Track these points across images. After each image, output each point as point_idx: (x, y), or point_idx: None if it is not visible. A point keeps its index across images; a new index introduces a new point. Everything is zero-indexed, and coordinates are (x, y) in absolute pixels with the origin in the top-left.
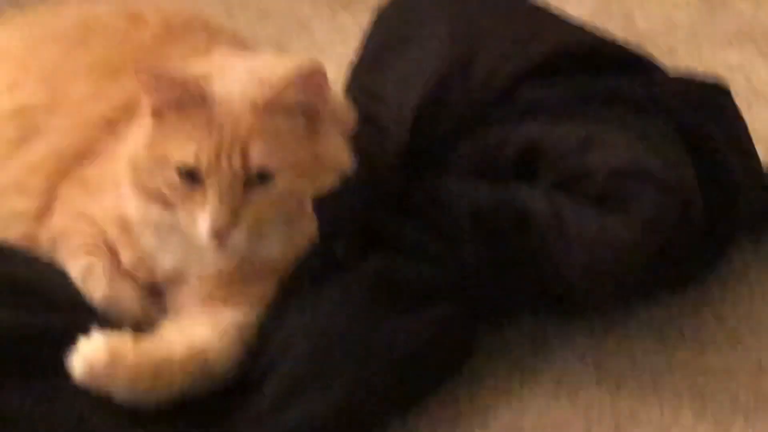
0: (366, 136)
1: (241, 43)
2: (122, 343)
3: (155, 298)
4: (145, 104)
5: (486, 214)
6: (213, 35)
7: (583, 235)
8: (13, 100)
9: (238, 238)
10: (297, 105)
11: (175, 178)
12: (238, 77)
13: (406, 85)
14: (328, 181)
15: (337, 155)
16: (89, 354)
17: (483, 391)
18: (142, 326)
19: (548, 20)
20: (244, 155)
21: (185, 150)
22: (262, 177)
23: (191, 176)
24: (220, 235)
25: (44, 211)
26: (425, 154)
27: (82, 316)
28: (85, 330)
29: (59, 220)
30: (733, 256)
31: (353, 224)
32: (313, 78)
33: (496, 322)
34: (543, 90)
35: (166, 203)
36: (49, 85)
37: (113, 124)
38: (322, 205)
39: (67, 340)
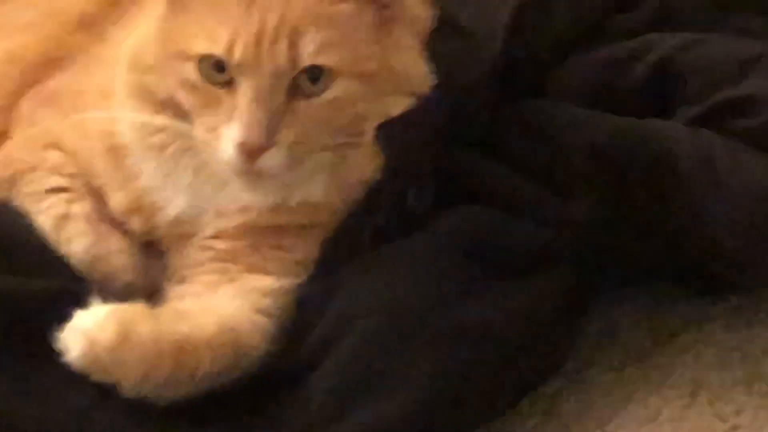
0: (445, 46)
1: None
2: (135, 315)
3: (152, 261)
4: None
5: (611, 153)
6: None
7: (742, 184)
8: None
9: (275, 162)
10: None
11: (195, 76)
12: None
13: None
14: (398, 104)
15: (415, 69)
16: (91, 329)
17: (592, 391)
18: (134, 295)
19: None
20: (294, 45)
21: (213, 37)
22: (314, 79)
23: (218, 73)
24: (251, 153)
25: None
26: (523, 72)
27: (71, 281)
28: (78, 299)
29: (20, 149)
30: None
31: (430, 164)
32: None
33: (603, 300)
34: None
35: (179, 114)
36: None
37: (94, 22)
38: (389, 135)
39: (55, 311)
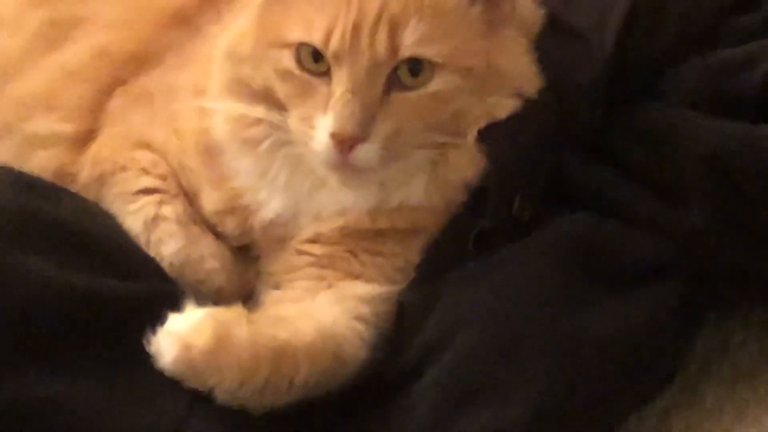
0: (554, 47)
1: None
2: (231, 319)
3: (245, 265)
4: None
5: (727, 160)
6: None
7: None
8: None
9: (369, 155)
10: None
11: (292, 64)
12: None
13: None
14: (503, 105)
15: (521, 70)
16: (186, 333)
17: (701, 408)
18: (226, 300)
19: None
20: (394, 36)
21: (311, 26)
22: (415, 72)
23: (315, 63)
24: (345, 144)
25: (87, 135)
26: (634, 75)
27: (162, 284)
28: (171, 302)
29: (109, 149)
30: None
31: (538, 170)
32: None
33: (715, 315)
34: None
35: (274, 107)
36: None
37: (186, 17)
38: (496, 138)
39: (148, 314)
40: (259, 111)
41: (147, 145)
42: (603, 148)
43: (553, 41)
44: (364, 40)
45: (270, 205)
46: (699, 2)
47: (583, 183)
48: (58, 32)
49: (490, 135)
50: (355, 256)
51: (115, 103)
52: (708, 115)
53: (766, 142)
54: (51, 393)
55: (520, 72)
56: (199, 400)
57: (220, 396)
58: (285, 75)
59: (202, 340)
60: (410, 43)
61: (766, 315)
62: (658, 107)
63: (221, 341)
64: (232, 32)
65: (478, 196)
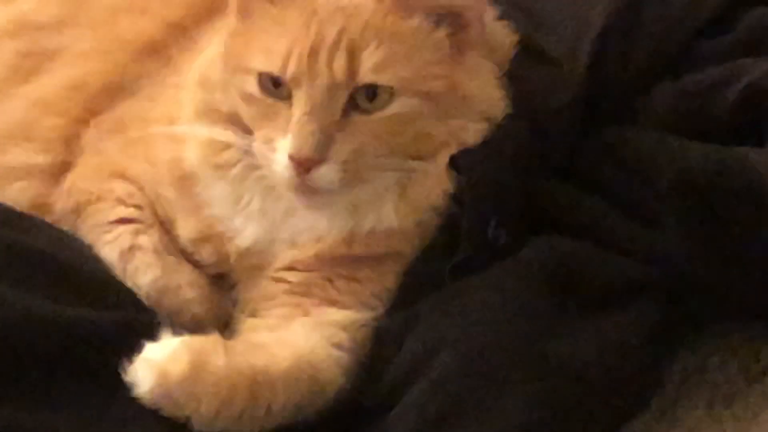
0: (524, 71)
1: None
2: (208, 347)
3: (221, 293)
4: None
5: (700, 183)
6: None
7: None
8: (10, 13)
9: (328, 177)
10: (440, 4)
11: (255, 89)
12: None
13: (583, 3)
14: (471, 129)
15: (487, 93)
16: (162, 361)
17: (679, 430)
18: (203, 328)
19: None
20: (352, 60)
21: (271, 52)
22: (372, 96)
23: (276, 87)
24: (303, 165)
25: (62, 167)
26: (607, 98)
27: (138, 313)
28: (147, 331)
29: (85, 179)
30: None
31: (512, 194)
32: None
33: (692, 336)
34: None
35: (243, 131)
36: None
37: (157, 48)
38: (468, 164)
39: (124, 344)
40: (228, 135)
41: (122, 175)
42: (577, 172)
43: (526, 66)
44: (322, 63)
45: (245, 232)
46: (670, 27)
47: (557, 206)
48: (32, 63)
49: (463, 162)
50: (332, 282)
51: (90, 134)
52: (680, 138)
53: (737, 164)
54: (27, 423)
55: (485, 96)
56: (177, 428)
57: (197, 424)
58: (249, 99)
59: (178, 368)
60: (368, 69)
61: (744, 335)
62: (631, 130)
63: (198, 369)
64: (203, 60)
65: (453, 223)
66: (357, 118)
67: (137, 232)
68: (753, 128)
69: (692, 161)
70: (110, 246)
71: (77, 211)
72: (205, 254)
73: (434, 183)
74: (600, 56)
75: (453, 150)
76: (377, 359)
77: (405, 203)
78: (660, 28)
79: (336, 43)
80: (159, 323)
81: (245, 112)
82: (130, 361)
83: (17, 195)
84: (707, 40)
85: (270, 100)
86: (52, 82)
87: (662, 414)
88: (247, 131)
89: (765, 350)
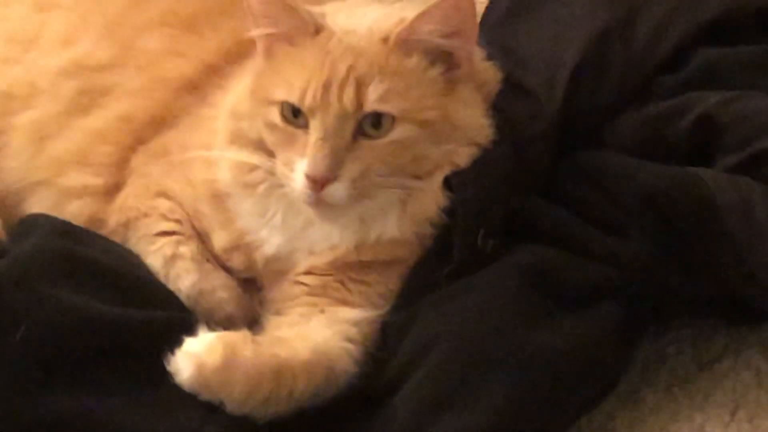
0: (508, 103)
1: None
2: (238, 341)
3: (251, 295)
4: (258, 43)
5: (659, 198)
6: None
7: None
8: (69, 55)
9: (338, 193)
10: (435, 45)
11: (277, 119)
12: (368, 14)
13: (557, 45)
14: (462, 153)
15: (475, 122)
16: (200, 353)
17: (642, 410)
18: (235, 325)
19: None
20: (359, 92)
21: (291, 86)
22: (377, 124)
23: (295, 116)
24: (317, 183)
25: (114, 187)
26: (579, 126)
27: (179, 312)
28: (186, 328)
29: (133, 198)
30: None
31: (498, 209)
32: (460, 3)
33: (652, 330)
34: (720, 54)
35: (267, 155)
36: (114, 38)
37: (195, 86)
38: (461, 183)
39: (167, 338)
40: (255, 158)
41: (165, 194)
42: (553, 189)
43: (509, 99)
44: (334, 96)
45: (270, 242)
46: (632, 65)
47: (537, 219)
48: (88, 100)
49: (456, 181)
50: (344, 285)
51: (138, 160)
52: (642, 160)
53: (691, 182)
54: (82, 409)
55: (473, 124)
56: (212, 410)
57: (230, 407)
58: (272, 127)
59: (213, 359)
60: (373, 100)
61: (698, 328)
62: (600, 154)
63: (230, 360)
64: (234, 95)
65: (447, 233)
66: (364, 142)
67: (178, 243)
68: (704, 151)
69: (652, 179)
70: (155, 255)
71: (127, 225)
72: (236, 261)
73: (430, 199)
74: (572, 90)
75: (446, 171)
76: (383, 351)
77: (406, 216)
78: (624, 66)
79: (345, 79)
80: (197, 321)
81: (269, 139)
82: (172, 354)
83: (76, 212)
84: (665, 76)
85: (290, 128)
86: (105, 115)
87: (627, 396)
88: (271, 155)
89: (715, 341)
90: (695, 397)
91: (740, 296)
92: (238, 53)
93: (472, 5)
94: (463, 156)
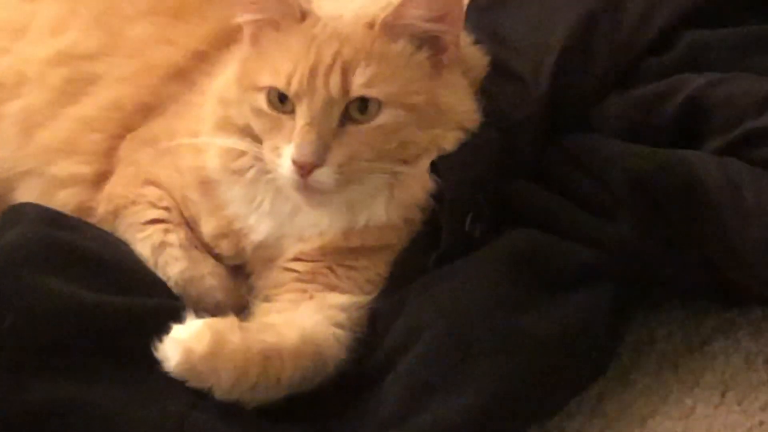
0: (495, 87)
1: None
2: (226, 328)
3: (239, 282)
4: (244, 29)
5: (646, 180)
6: None
7: (764, 207)
8: (57, 45)
9: (324, 178)
10: (422, 29)
11: (264, 105)
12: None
13: (544, 29)
14: (449, 138)
15: (462, 107)
16: (187, 340)
17: (632, 392)
18: (224, 312)
19: None
20: (345, 78)
21: (277, 72)
22: (364, 109)
23: (282, 102)
24: (304, 168)
25: (102, 176)
26: (567, 110)
27: (168, 300)
28: (175, 315)
29: (122, 186)
30: None
31: (484, 193)
32: None
33: (642, 312)
34: (707, 36)
35: (255, 141)
36: (102, 27)
37: (183, 73)
38: (448, 168)
39: (154, 326)
40: (242, 144)
41: (153, 182)
42: (542, 173)
43: (497, 83)
44: (320, 81)
45: (258, 229)
46: (619, 48)
47: (525, 203)
48: (76, 88)
49: (443, 166)
50: (333, 271)
51: (126, 147)
52: (629, 142)
53: (679, 165)
54: (71, 396)
55: (460, 108)
56: (200, 397)
57: (218, 393)
58: (259, 113)
59: (201, 345)
60: (359, 85)
61: (687, 311)
62: (588, 137)
63: (217, 346)
64: (221, 81)
65: (435, 218)
66: (351, 127)
67: (166, 231)
68: (692, 133)
69: (639, 161)
70: (143, 243)
71: (115, 213)
72: (225, 248)
73: (418, 184)
74: (559, 74)
75: (433, 155)
76: (372, 336)
77: (393, 202)
78: (611, 48)
79: (331, 64)
80: (185, 308)
81: (256, 125)
82: (161, 341)
83: (65, 200)
84: (651, 58)
85: (276, 114)
86: (93, 103)
87: (618, 379)
88: (258, 141)
89: (704, 324)
90: (685, 379)
91: (728, 278)
92: (225, 40)
93: None
94: (450, 140)
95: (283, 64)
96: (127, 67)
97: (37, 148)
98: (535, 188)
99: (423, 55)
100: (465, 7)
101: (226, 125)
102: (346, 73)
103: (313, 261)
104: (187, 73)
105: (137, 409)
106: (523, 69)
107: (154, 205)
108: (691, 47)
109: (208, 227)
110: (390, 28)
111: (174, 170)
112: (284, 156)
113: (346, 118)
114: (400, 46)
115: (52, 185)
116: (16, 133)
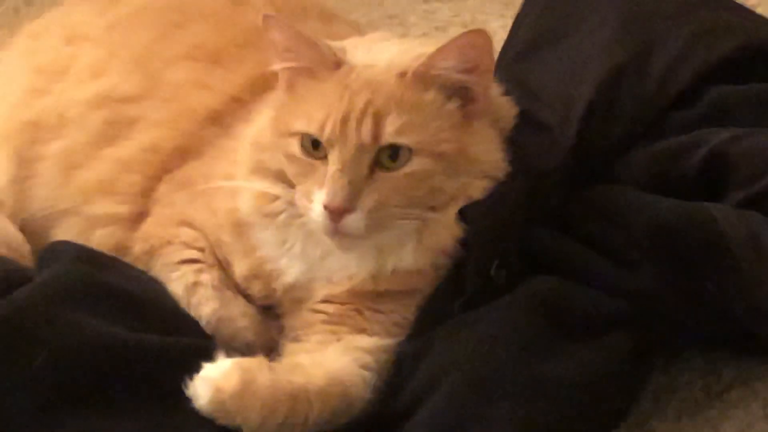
0: (523, 137)
1: (358, 33)
2: (255, 367)
3: (270, 322)
4: (280, 76)
5: (669, 232)
6: (328, 21)
7: None
8: (97, 87)
9: (355, 224)
10: (452, 80)
11: (297, 150)
12: (386, 49)
13: (572, 81)
14: (476, 186)
15: (490, 156)
16: (217, 379)
17: None
18: (254, 352)
19: (735, 11)
20: (377, 125)
21: (311, 118)
22: (394, 156)
23: (315, 148)
24: (335, 213)
25: (139, 216)
26: (592, 161)
27: (200, 339)
28: (205, 354)
29: (157, 226)
30: None
31: (510, 241)
32: (477, 40)
33: (663, 360)
34: (730, 92)
35: (288, 186)
36: (142, 71)
37: (219, 117)
38: (474, 216)
39: (186, 364)
40: (276, 189)
41: (188, 223)
42: (567, 223)
43: (524, 134)
44: (352, 128)
45: (289, 271)
46: (644, 102)
47: (550, 252)
48: (115, 130)
49: (470, 214)
50: (361, 313)
51: (163, 189)
52: (653, 194)
53: (700, 216)
54: (105, 429)
55: (489, 158)
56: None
57: (246, 431)
58: (292, 158)
59: (230, 384)
60: (390, 132)
61: (706, 359)
62: (612, 188)
63: (247, 386)
64: (256, 126)
65: (461, 265)
66: (381, 174)
67: (200, 271)
68: (715, 186)
69: (663, 214)
70: (177, 282)
71: (150, 252)
72: (256, 289)
73: (446, 231)
74: (586, 126)
75: (461, 203)
76: (398, 379)
77: (421, 248)
78: (636, 102)
79: (364, 112)
80: (216, 347)
81: (289, 170)
82: (191, 379)
83: (102, 239)
84: (676, 112)
85: (309, 160)
86: (131, 145)
87: (638, 425)
88: (291, 185)
89: (725, 372)
90: (704, 427)
91: (749, 329)
92: (261, 86)
93: (489, 42)
94: (478, 189)
95: (316, 111)
96: (165, 110)
97: (76, 188)
98: (560, 237)
99: (453, 104)
100: (495, 59)
101: (260, 169)
102: (377, 121)
103: (341, 303)
104: (223, 117)
105: None
106: (550, 120)
107: (188, 246)
108: (715, 102)
109: (240, 268)
110: (421, 78)
111: (209, 212)
112: (316, 201)
113: (377, 165)
114: (431, 95)
115: (90, 224)
116: (57, 173)
